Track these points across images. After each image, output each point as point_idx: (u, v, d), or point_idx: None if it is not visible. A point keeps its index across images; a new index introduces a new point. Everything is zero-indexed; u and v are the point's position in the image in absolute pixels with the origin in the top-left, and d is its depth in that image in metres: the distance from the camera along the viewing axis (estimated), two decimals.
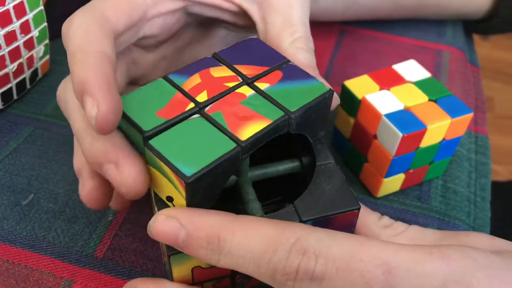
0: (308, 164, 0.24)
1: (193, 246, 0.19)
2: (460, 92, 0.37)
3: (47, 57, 0.36)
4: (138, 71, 0.27)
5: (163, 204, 0.21)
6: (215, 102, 0.22)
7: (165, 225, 0.19)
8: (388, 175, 0.29)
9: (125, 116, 0.21)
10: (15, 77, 0.33)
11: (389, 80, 0.29)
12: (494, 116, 1.32)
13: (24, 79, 0.34)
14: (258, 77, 0.23)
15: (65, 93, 0.24)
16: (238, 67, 0.23)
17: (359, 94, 0.29)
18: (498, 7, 0.41)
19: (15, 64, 0.33)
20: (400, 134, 0.26)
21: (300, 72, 0.24)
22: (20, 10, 0.31)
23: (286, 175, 0.25)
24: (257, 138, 0.20)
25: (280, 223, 0.19)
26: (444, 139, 0.28)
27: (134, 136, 0.21)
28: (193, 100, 0.22)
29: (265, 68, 0.23)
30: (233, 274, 0.23)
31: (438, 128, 0.27)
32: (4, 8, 0.30)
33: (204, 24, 0.29)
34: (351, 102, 0.29)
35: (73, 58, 0.20)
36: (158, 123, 0.20)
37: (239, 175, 0.23)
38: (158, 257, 0.27)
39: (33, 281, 0.25)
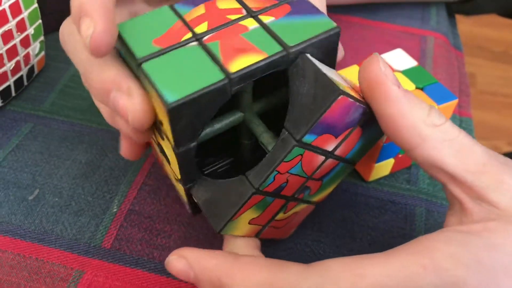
0: None
1: (200, 285, 0.21)
2: (445, 77, 0.39)
3: (43, 53, 0.36)
4: None
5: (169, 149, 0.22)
6: (215, 32, 0.22)
7: (177, 264, 0.21)
8: (379, 160, 0.30)
9: (122, 41, 0.21)
10: (13, 74, 0.34)
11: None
12: (477, 92, 1.35)
13: (21, 76, 0.35)
14: (264, 11, 0.22)
15: (70, 27, 0.24)
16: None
17: None
18: None
19: (13, 62, 0.33)
20: None
21: (310, 7, 0.22)
22: (15, 9, 0.32)
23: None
24: (248, 72, 0.20)
25: (276, 266, 0.20)
26: None
27: (130, 62, 0.21)
28: (191, 30, 0.22)
29: (274, 1, 0.23)
30: (290, 197, 0.23)
31: None
32: (0, 8, 0.30)
33: None
34: None
35: None
36: (152, 50, 0.21)
37: (244, 110, 0.24)
38: (163, 246, 0.28)
39: (45, 273, 0.27)
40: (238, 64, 0.20)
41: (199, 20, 0.22)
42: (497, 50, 1.45)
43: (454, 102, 0.29)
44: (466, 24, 1.49)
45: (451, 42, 0.43)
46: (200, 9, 0.23)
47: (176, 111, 0.19)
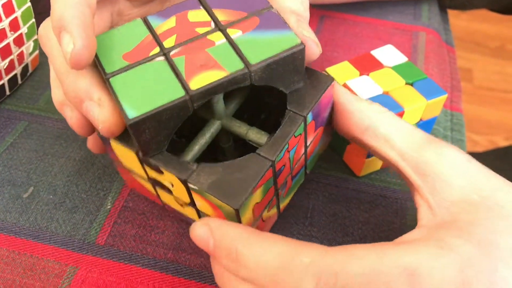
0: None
1: (218, 255, 0.21)
2: (436, 72, 0.39)
3: (37, 52, 0.36)
4: (121, 22, 0.28)
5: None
6: (181, 47, 0.22)
7: (199, 230, 0.21)
8: (370, 155, 0.30)
9: (95, 54, 0.22)
10: (7, 73, 0.34)
11: (368, 66, 0.31)
12: (473, 87, 1.35)
13: (15, 75, 0.35)
14: (232, 24, 0.23)
15: (47, 30, 0.24)
16: (216, 11, 0.23)
17: (340, 80, 0.30)
18: None
19: (6, 61, 0.33)
20: None
21: (279, 21, 0.23)
22: (8, 9, 0.32)
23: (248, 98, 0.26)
24: (209, 89, 0.21)
25: (296, 242, 0.20)
26: (421, 120, 0.30)
27: (102, 75, 0.22)
28: (159, 44, 0.22)
29: (244, 14, 0.23)
30: (277, 190, 0.24)
31: (415, 110, 0.29)
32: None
33: None
34: None
35: None
36: (121, 65, 0.22)
37: (220, 117, 0.24)
38: (156, 242, 0.28)
39: (39, 269, 0.27)
40: (199, 80, 0.21)
41: (169, 33, 0.23)
42: (494, 45, 1.45)
43: (444, 97, 0.30)
44: (462, 20, 1.49)
45: (443, 38, 0.43)
46: (171, 22, 0.23)
47: (137, 126, 0.20)
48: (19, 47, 0.34)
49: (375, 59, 0.32)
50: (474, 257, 0.20)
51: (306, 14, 0.25)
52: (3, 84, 0.34)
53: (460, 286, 0.19)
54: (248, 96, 0.26)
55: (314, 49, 0.24)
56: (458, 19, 1.48)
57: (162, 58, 0.22)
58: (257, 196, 0.22)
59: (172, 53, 0.22)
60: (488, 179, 0.22)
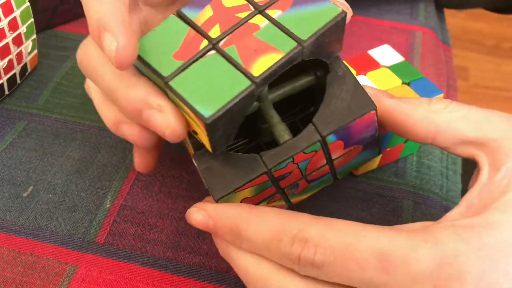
0: (322, 75, 0.24)
1: (220, 233, 0.23)
2: (433, 71, 0.39)
3: (35, 51, 0.37)
4: (149, 30, 0.28)
5: (196, 142, 0.23)
6: (229, 35, 0.22)
7: (197, 216, 0.23)
8: None
9: (143, 62, 0.22)
10: (5, 73, 0.34)
11: (365, 65, 0.31)
12: (469, 86, 1.36)
13: (14, 74, 0.35)
14: (269, 4, 0.23)
15: (87, 51, 0.24)
16: None
17: None
18: None
19: (5, 60, 0.33)
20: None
21: None
22: (7, 8, 0.32)
23: (304, 90, 0.25)
24: (271, 72, 0.21)
25: (287, 214, 0.22)
26: None
27: (155, 79, 0.22)
28: (206, 36, 0.22)
29: None
30: (281, 189, 0.24)
31: None
32: None
33: None
34: None
35: (88, 1, 0.21)
36: (176, 66, 0.21)
37: (261, 100, 0.24)
38: (155, 240, 0.29)
39: (39, 268, 0.27)
40: (259, 66, 0.21)
41: (210, 23, 0.22)
42: (489, 43, 1.46)
43: (440, 96, 0.30)
44: (458, 18, 1.49)
45: (439, 37, 0.44)
46: (208, 11, 0.23)
47: (214, 124, 0.20)
48: (18, 46, 0.34)
49: (372, 59, 0.32)
50: (463, 256, 0.19)
51: None
52: (2, 84, 0.34)
53: (435, 281, 0.19)
54: (304, 90, 0.25)
55: (348, 15, 0.25)
56: (454, 18, 1.49)
57: (214, 51, 0.22)
58: (245, 193, 0.23)
59: (221, 43, 0.22)
60: None
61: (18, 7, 0.33)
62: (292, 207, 0.26)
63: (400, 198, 0.31)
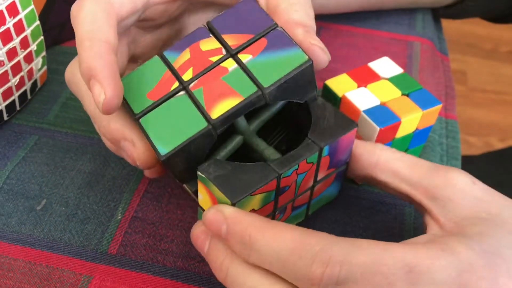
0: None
1: (230, 240, 0.22)
2: (431, 81, 0.40)
3: (45, 68, 0.38)
4: (138, 49, 0.30)
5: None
6: (199, 78, 0.24)
7: (213, 216, 0.23)
8: None
9: (123, 98, 0.24)
10: (17, 89, 0.35)
11: (366, 78, 0.32)
12: (467, 90, 1.37)
13: (25, 90, 0.36)
14: (242, 48, 0.24)
15: (74, 76, 0.27)
16: (226, 36, 0.25)
17: (339, 92, 0.31)
18: None
19: (17, 77, 0.35)
20: (378, 128, 0.29)
21: (285, 39, 0.24)
22: (19, 27, 0.33)
23: (280, 116, 0.27)
24: (229, 115, 0.23)
25: (307, 230, 0.22)
26: (417, 129, 0.32)
27: (131, 115, 0.24)
28: (178, 78, 0.24)
29: (252, 36, 0.24)
30: (276, 208, 0.26)
31: (411, 120, 0.30)
32: (5, 27, 0.32)
33: (203, 7, 0.31)
34: (332, 100, 0.32)
35: (81, 44, 0.23)
36: (147, 104, 0.24)
37: (243, 133, 0.26)
38: (166, 250, 0.29)
39: (55, 279, 0.28)
40: (219, 109, 0.23)
41: (185, 66, 0.24)
42: (487, 47, 1.47)
43: (438, 107, 0.31)
44: (455, 23, 1.51)
45: (437, 47, 0.45)
46: (186, 54, 0.25)
47: (169, 161, 0.23)
48: (29, 63, 0.35)
49: (372, 71, 0.33)
50: (475, 264, 0.21)
51: (313, 24, 0.26)
52: (13, 100, 0.35)
53: (459, 284, 0.20)
54: (279, 112, 0.27)
55: (322, 57, 0.25)
56: (452, 22, 1.50)
57: (183, 92, 0.24)
58: (255, 202, 0.24)
59: (191, 85, 0.24)
60: (493, 198, 0.24)
61: (29, 25, 0.34)
62: None
63: (402, 205, 0.32)
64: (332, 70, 0.41)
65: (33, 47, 0.35)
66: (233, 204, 0.23)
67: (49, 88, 0.39)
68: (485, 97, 1.35)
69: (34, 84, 0.37)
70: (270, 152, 0.25)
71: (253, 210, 0.25)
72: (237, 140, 0.26)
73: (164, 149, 0.23)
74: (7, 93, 0.34)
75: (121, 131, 0.24)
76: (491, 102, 1.34)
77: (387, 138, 0.31)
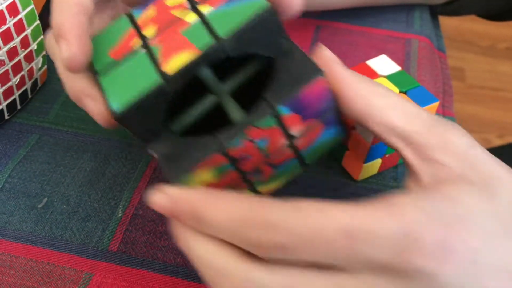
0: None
1: (180, 217, 0.22)
2: (429, 78, 0.41)
3: (45, 67, 0.38)
4: None
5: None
6: (161, 34, 0.23)
7: (157, 199, 0.22)
8: (367, 160, 0.32)
9: None
10: (18, 89, 0.35)
11: (364, 75, 0.33)
12: (465, 86, 1.37)
13: (26, 89, 0.36)
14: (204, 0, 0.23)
15: (49, 41, 0.27)
16: None
17: None
18: None
19: (18, 77, 0.35)
20: None
21: None
22: (19, 27, 0.33)
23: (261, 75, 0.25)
24: (184, 70, 0.21)
25: (252, 198, 0.21)
26: None
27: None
28: (140, 35, 0.24)
29: None
30: (243, 173, 0.24)
31: None
32: (5, 27, 0.32)
33: None
34: None
35: (54, 5, 0.24)
36: (108, 62, 0.24)
37: (216, 93, 0.24)
38: (166, 247, 0.30)
39: (56, 276, 0.28)
40: (173, 64, 0.22)
41: (149, 22, 0.24)
42: (485, 44, 1.48)
43: (436, 104, 0.31)
44: (453, 20, 1.51)
45: (435, 44, 0.45)
46: (151, 11, 0.24)
47: (123, 119, 0.22)
48: (29, 63, 0.36)
49: (370, 69, 0.33)
50: (423, 226, 0.19)
51: None
52: (14, 99, 0.36)
53: (399, 250, 0.19)
54: (254, 79, 0.25)
55: (293, 6, 0.24)
56: (450, 19, 1.50)
57: (143, 50, 0.23)
58: (206, 177, 0.23)
59: (151, 42, 0.23)
60: (491, 167, 0.22)
61: (29, 25, 0.34)
62: None
63: None
64: None
65: (34, 46, 0.35)
66: (171, 181, 0.22)
67: (50, 87, 0.39)
68: (483, 94, 1.35)
69: (35, 83, 0.37)
70: (237, 116, 0.23)
71: (212, 184, 0.23)
72: (209, 100, 0.24)
73: (117, 106, 0.22)
74: (8, 92, 0.35)
75: (84, 89, 0.25)
76: (489, 99, 1.34)
77: None
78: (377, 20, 0.45)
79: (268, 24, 0.22)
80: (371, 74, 0.33)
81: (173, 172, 0.22)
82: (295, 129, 0.23)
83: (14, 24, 0.33)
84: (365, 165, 0.32)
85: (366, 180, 0.34)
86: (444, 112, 0.39)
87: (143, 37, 0.23)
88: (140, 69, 0.22)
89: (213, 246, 0.21)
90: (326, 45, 0.43)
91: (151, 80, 0.22)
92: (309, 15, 0.46)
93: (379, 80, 0.32)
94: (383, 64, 0.33)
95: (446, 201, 0.20)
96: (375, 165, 0.33)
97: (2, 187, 0.33)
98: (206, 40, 0.22)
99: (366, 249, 0.19)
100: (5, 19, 0.32)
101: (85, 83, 0.25)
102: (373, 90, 0.23)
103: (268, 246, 0.20)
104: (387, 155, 0.33)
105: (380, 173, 0.34)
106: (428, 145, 0.22)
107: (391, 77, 0.33)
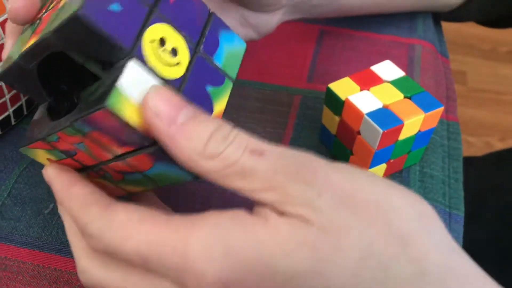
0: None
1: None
2: (433, 83, 0.41)
3: None
4: None
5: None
6: (51, 9, 0.23)
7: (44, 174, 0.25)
8: (372, 166, 0.32)
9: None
10: (24, 95, 0.36)
11: (368, 81, 0.33)
12: (467, 90, 1.37)
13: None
14: None
15: None
16: None
17: (342, 96, 0.32)
18: None
19: None
20: (381, 131, 0.30)
21: None
22: None
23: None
24: (28, 52, 0.23)
25: (86, 201, 0.22)
26: (419, 131, 0.32)
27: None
28: (47, 7, 0.25)
29: None
30: (85, 166, 0.25)
31: (414, 122, 0.31)
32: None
33: None
34: (336, 103, 0.32)
35: None
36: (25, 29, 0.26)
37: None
38: None
39: (63, 282, 0.28)
40: (28, 44, 0.23)
41: (53, 2, 0.24)
42: (486, 48, 1.48)
43: (440, 109, 0.32)
44: (454, 23, 1.51)
45: (438, 49, 0.45)
46: None
47: (1, 80, 0.25)
48: None
49: (375, 74, 0.33)
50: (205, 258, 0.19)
51: None
52: (21, 105, 0.36)
53: (182, 272, 0.19)
54: None
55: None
56: (451, 23, 1.51)
57: (37, 21, 0.25)
58: (44, 154, 0.25)
59: (42, 15, 0.24)
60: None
61: None
62: (130, 196, 0.27)
63: None
64: (334, 73, 0.41)
65: None
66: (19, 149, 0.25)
67: None
68: (484, 97, 1.36)
69: None
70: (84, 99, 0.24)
71: (50, 160, 0.25)
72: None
73: (0, 70, 0.25)
74: (15, 98, 0.35)
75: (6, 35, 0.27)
76: (491, 102, 1.34)
77: (390, 140, 0.31)
78: (380, 26, 0.45)
79: (83, 29, 0.20)
80: (376, 79, 0.33)
81: (23, 140, 0.25)
82: (115, 150, 0.22)
83: None
84: (370, 170, 0.32)
85: None
86: (448, 117, 0.39)
87: (47, 9, 0.24)
88: (22, 41, 0.25)
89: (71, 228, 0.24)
90: (329, 51, 0.43)
91: (17, 54, 0.24)
92: (312, 20, 0.46)
93: (383, 85, 0.32)
94: (388, 70, 0.34)
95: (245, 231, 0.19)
96: (379, 170, 0.33)
97: (9, 193, 0.33)
98: (49, 28, 0.21)
99: (157, 267, 0.20)
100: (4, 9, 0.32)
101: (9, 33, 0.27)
102: (202, 151, 0.20)
103: (96, 249, 0.22)
104: (391, 160, 0.33)
105: (385, 178, 0.34)
106: (269, 202, 0.20)
107: (395, 83, 0.33)
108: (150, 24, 0.21)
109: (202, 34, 0.23)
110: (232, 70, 0.24)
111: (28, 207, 0.32)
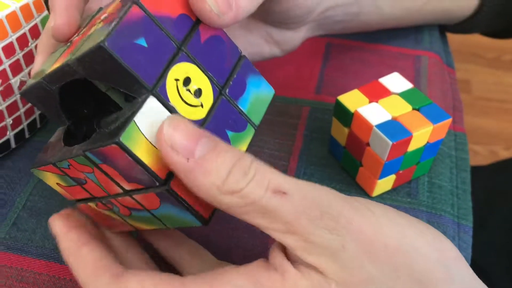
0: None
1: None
2: (439, 94, 0.41)
3: None
4: None
5: None
6: (81, 34, 0.23)
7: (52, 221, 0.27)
8: (381, 177, 0.33)
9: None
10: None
11: (377, 93, 0.33)
12: (472, 98, 1.38)
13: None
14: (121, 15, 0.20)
15: None
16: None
17: (351, 108, 0.32)
18: (483, 5, 0.44)
19: None
20: (390, 142, 0.30)
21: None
22: (16, 68, 0.34)
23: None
24: (52, 75, 0.23)
25: (96, 267, 0.23)
26: (428, 142, 0.33)
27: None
28: (81, 29, 0.25)
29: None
30: (94, 196, 0.25)
31: (422, 134, 0.31)
32: (1, 68, 0.33)
33: None
34: (345, 115, 0.33)
35: None
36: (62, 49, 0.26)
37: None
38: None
39: None
40: (53, 67, 0.23)
41: (97, 18, 0.24)
42: (490, 56, 1.48)
43: (449, 121, 0.32)
44: None
45: (444, 60, 0.46)
46: (111, 7, 0.23)
47: (24, 96, 0.25)
48: None
49: (383, 87, 0.34)
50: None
51: None
52: (35, 118, 0.36)
53: None
54: None
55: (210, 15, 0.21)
56: None
57: (68, 43, 0.25)
58: (53, 178, 0.25)
59: (74, 38, 0.24)
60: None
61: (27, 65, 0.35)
62: (137, 233, 0.27)
63: (414, 216, 0.33)
64: (342, 86, 0.42)
65: None
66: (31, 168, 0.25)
67: None
68: (489, 106, 1.36)
69: None
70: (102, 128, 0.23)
71: (62, 185, 0.25)
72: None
73: (25, 87, 0.25)
74: (29, 112, 0.36)
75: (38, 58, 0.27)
76: (495, 111, 1.35)
77: (399, 152, 0.31)
78: (387, 38, 0.46)
79: (102, 59, 0.20)
80: (384, 91, 0.33)
81: (35, 161, 0.25)
82: (124, 185, 0.22)
83: (10, 66, 0.33)
84: (380, 181, 0.33)
85: (381, 195, 0.34)
86: (455, 128, 0.40)
87: (78, 33, 0.25)
88: (52, 60, 0.25)
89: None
90: (337, 63, 0.44)
91: (43, 74, 0.24)
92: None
93: (392, 97, 0.33)
94: (396, 82, 0.34)
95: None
96: (389, 181, 0.34)
97: (24, 205, 0.33)
98: (72, 55, 0.21)
99: None
100: (21, 24, 0.33)
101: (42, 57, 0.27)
102: (221, 187, 0.19)
103: None
104: (400, 171, 0.33)
105: (394, 188, 0.35)
106: (290, 247, 0.20)
107: (403, 95, 0.33)
108: (176, 63, 0.21)
109: (230, 77, 0.22)
110: (257, 116, 0.23)
111: (44, 219, 0.33)
